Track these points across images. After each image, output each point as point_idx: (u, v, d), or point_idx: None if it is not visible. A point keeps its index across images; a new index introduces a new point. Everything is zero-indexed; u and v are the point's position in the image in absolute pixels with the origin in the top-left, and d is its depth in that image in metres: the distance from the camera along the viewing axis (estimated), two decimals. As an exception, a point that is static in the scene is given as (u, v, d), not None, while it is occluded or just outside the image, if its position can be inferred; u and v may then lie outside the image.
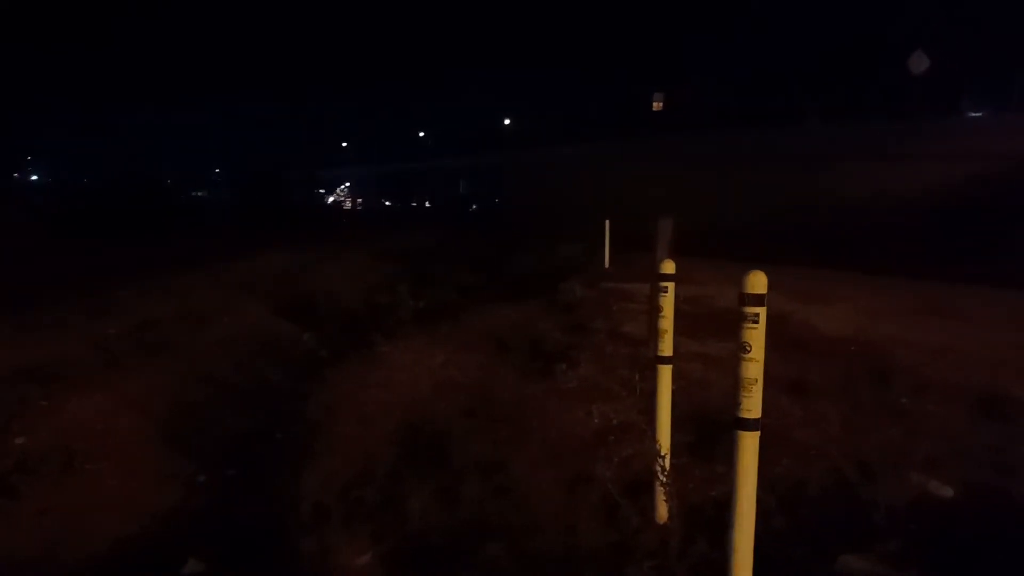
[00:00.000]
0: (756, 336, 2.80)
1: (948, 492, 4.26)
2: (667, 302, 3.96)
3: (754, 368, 2.81)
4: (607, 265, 16.58)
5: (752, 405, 2.83)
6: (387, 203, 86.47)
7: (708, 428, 4.95)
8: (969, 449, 4.84)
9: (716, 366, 6.86)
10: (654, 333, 4.08)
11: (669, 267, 4.02)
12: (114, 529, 4.95)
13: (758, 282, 2.79)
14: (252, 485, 5.63)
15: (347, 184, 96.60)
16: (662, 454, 3.91)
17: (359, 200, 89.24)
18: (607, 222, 17.32)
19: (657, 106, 38.09)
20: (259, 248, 19.86)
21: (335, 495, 4.98)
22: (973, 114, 26.90)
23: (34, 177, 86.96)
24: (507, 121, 66.57)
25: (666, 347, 3.96)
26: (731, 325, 2.88)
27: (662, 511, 3.94)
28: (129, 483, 5.57)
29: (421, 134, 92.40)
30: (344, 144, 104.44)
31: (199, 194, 73.13)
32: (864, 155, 21.75)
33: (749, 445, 2.85)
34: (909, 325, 9.22)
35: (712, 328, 8.34)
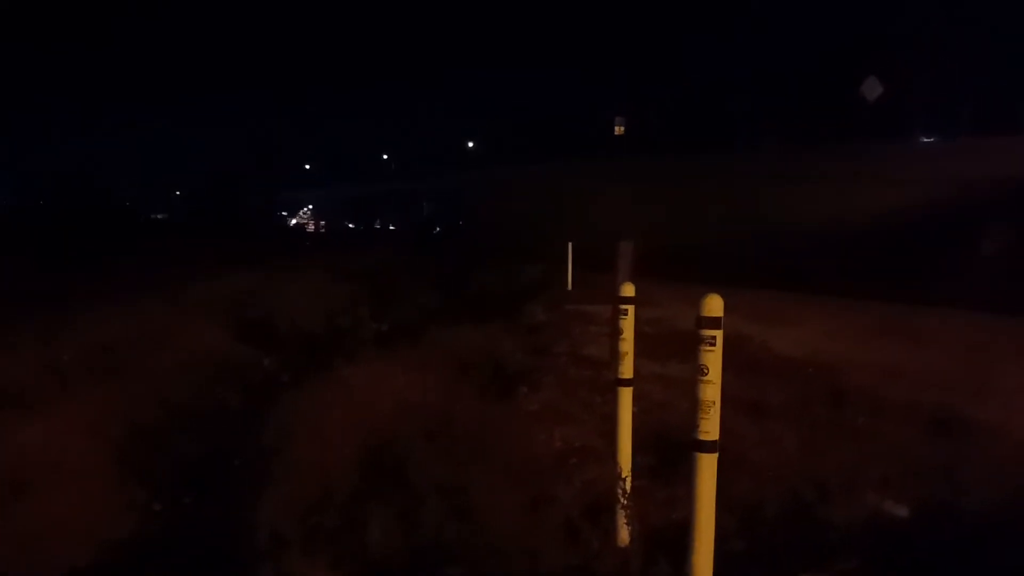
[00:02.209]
0: (713, 359, 2.83)
1: (903, 511, 4.32)
2: (627, 324, 3.98)
3: (712, 390, 2.84)
4: (569, 287, 16.65)
5: (710, 427, 2.86)
6: (350, 225, 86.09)
7: (669, 450, 4.97)
8: (923, 468, 4.92)
9: (676, 388, 6.89)
10: (615, 355, 4.11)
11: (629, 290, 4.05)
12: (67, 558, 4.83)
13: (714, 305, 2.83)
14: (210, 512, 5.54)
15: (310, 206, 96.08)
16: (623, 477, 3.93)
17: (322, 222, 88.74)
18: (569, 244, 17.41)
19: (619, 130, 38.56)
20: (219, 270, 19.62)
21: (295, 521, 4.91)
22: (925, 139, 27.52)
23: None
24: (471, 143, 66.92)
25: (626, 369, 3.98)
26: (691, 347, 2.91)
27: (623, 534, 3.95)
28: (83, 511, 5.44)
29: (384, 156, 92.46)
30: (307, 167, 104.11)
31: (159, 216, 72.14)
32: (820, 178, 22.12)
33: (707, 467, 2.88)
34: (865, 347, 9.37)
35: (673, 350, 8.39)
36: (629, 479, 3.94)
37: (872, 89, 23.42)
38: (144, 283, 16.29)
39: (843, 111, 27.46)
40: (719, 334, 2.84)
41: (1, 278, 17.66)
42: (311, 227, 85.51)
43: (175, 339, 10.62)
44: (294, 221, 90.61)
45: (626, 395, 3.98)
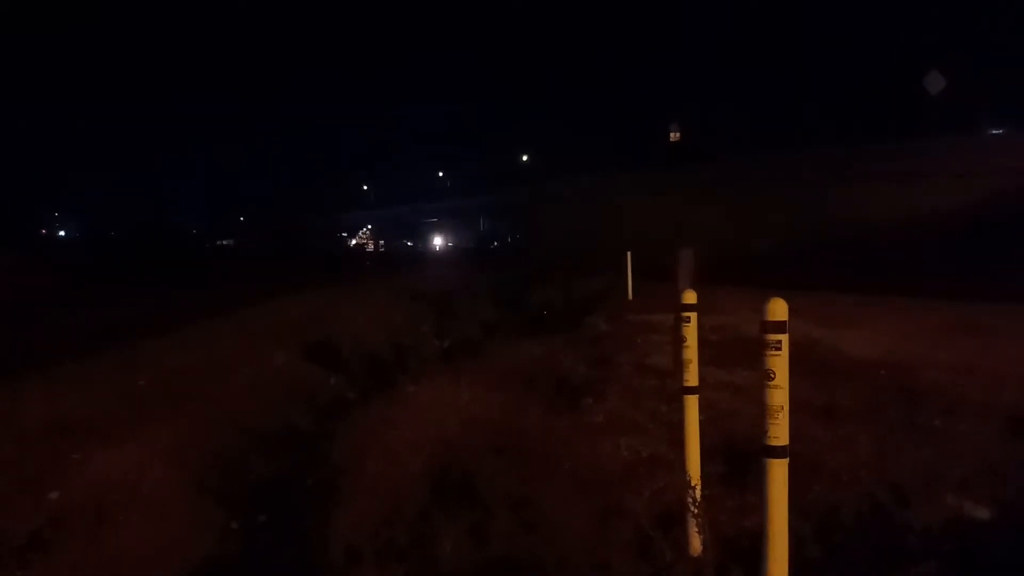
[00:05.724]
0: (780, 363, 2.81)
1: (984, 513, 4.20)
2: (691, 332, 3.96)
3: (779, 395, 2.82)
4: (630, 297, 16.57)
5: (779, 432, 2.83)
6: (409, 244, 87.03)
7: (738, 457, 4.93)
8: (1003, 469, 4.79)
9: (743, 394, 6.82)
10: (679, 364, 4.09)
11: (691, 297, 4.03)
12: (149, 579, 4.97)
13: (778, 309, 2.81)
14: (284, 530, 5.65)
15: (368, 226, 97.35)
16: (692, 485, 3.90)
17: (381, 242, 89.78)
18: (628, 254, 17.33)
19: (674, 136, 38.32)
20: (283, 292, 20.00)
21: (367, 536, 4.98)
22: (994, 132, 26.63)
23: (61, 232, 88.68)
24: (525, 157, 67.12)
25: (691, 377, 3.96)
26: (757, 352, 2.89)
27: (695, 543, 3.91)
28: (163, 533, 5.60)
29: (440, 174, 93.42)
30: (364, 188, 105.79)
31: (225, 243, 73.92)
32: (883, 175, 21.66)
33: (778, 472, 2.85)
34: (936, 345, 9.14)
35: (738, 356, 8.31)
36: (699, 487, 3.91)
37: (935, 83, 22.86)
38: (211, 309, 16.68)
39: (905, 106, 26.83)
40: (784, 338, 2.81)
41: (77, 307, 18.29)
42: (370, 247, 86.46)
43: (244, 362, 10.85)
44: (353, 241, 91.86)
45: (692, 403, 3.96)
